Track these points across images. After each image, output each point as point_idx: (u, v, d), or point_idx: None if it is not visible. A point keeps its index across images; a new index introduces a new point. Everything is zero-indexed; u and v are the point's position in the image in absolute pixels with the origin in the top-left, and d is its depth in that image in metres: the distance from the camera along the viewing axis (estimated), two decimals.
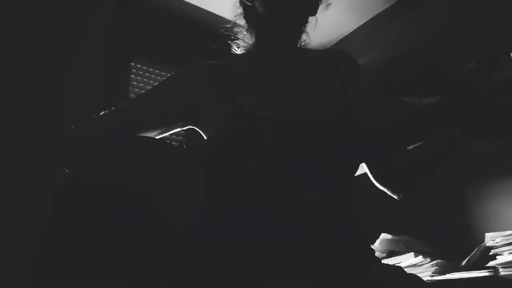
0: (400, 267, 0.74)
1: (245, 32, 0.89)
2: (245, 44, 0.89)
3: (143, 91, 1.97)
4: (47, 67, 1.63)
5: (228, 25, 0.91)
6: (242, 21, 0.89)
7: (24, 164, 1.45)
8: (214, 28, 2.20)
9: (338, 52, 0.88)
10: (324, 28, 0.88)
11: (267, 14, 0.80)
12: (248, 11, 0.86)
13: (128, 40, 1.98)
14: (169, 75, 0.83)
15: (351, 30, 2.41)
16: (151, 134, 0.77)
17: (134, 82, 2.00)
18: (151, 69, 2.08)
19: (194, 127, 0.81)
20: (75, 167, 0.70)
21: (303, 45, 0.88)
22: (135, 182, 0.58)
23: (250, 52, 0.88)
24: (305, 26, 0.85)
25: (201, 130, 0.81)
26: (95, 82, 1.75)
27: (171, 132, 0.80)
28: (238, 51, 0.91)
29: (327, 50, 0.91)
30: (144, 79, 2.05)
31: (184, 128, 0.81)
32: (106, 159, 0.66)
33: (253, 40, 0.86)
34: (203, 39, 2.17)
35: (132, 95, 1.96)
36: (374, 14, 2.29)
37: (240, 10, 0.88)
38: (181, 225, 0.57)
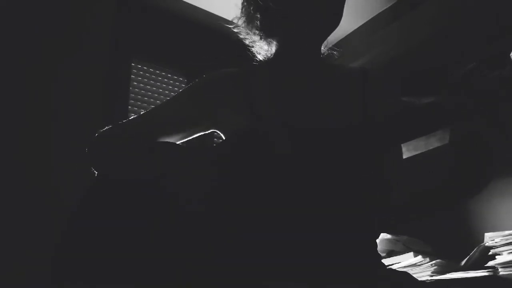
0: (407, 272, 0.73)
1: (260, 38, 0.83)
2: (263, 52, 0.85)
3: (143, 91, 2.01)
4: (48, 66, 1.63)
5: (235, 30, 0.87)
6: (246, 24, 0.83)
7: (25, 165, 1.45)
8: (214, 29, 2.21)
9: (364, 70, 0.86)
10: None
11: (296, 15, 0.77)
12: (264, 14, 0.79)
13: (128, 40, 1.98)
14: (194, 81, 0.85)
15: (351, 31, 2.41)
16: (175, 138, 0.82)
17: (134, 82, 2.00)
18: (151, 69, 2.08)
19: (216, 131, 0.84)
20: (104, 170, 0.74)
21: (329, 53, 0.86)
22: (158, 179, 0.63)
23: (270, 60, 0.85)
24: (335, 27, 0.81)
25: (223, 135, 0.83)
26: (95, 82, 1.75)
27: (194, 136, 0.84)
28: (260, 57, 0.87)
29: (353, 67, 0.89)
30: (144, 79, 2.05)
31: (207, 132, 0.85)
32: (133, 161, 0.71)
33: (273, 48, 0.83)
34: (203, 39, 2.18)
35: (132, 95, 1.96)
36: (374, 14, 2.30)
37: (247, 13, 0.82)
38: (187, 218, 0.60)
